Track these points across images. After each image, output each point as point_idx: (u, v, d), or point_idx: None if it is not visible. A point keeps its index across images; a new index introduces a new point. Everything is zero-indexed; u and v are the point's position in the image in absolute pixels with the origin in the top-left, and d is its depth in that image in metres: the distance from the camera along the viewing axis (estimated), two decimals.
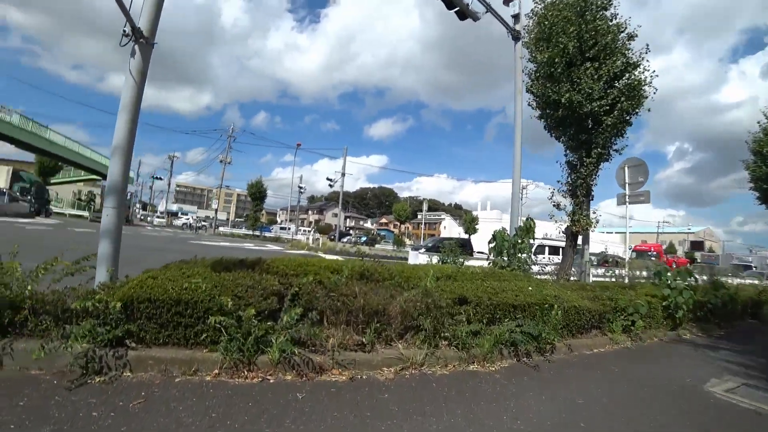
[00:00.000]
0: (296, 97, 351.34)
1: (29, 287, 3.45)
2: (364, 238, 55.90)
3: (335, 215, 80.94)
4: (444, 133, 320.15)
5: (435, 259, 10.77)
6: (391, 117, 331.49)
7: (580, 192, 9.95)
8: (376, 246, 45.33)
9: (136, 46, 4.14)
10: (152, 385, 3.00)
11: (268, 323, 3.36)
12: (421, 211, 60.41)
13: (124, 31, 4.04)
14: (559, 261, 12.01)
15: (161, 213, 59.03)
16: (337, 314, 3.82)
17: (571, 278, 10.25)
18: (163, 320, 3.29)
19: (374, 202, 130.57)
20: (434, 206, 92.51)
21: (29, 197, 31.23)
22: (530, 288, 5.73)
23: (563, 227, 10.51)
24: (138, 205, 59.89)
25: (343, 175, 36.56)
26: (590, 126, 9.53)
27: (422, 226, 65.91)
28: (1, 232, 13.90)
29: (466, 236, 48.42)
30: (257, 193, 44.81)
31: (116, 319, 3.22)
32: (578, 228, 10.01)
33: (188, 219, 54.19)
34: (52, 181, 43.70)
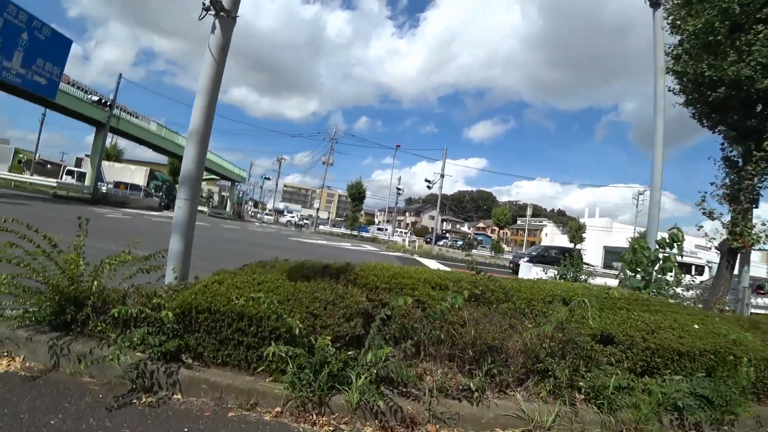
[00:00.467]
0: (397, 101, 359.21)
1: (95, 282, 3.11)
2: (460, 242, 54.12)
3: (432, 218, 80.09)
4: (547, 134, 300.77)
5: (542, 272, 9.27)
6: (491, 118, 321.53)
7: (744, 197, 7.73)
8: (473, 251, 43.47)
9: (217, 20, 3.69)
10: (201, 417, 2.38)
11: (349, 353, 2.55)
12: (522, 216, 56.54)
13: (204, 3, 3.59)
14: (691, 282, 9.56)
15: (269, 210, 63.92)
16: (437, 345, 2.89)
17: (725, 308, 8.02)
18: (222, 336, 2.67)
19: (471, 206, 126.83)
20: (535, 212, 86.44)
21: (160, 193, 35.90)
22: (696, 326, 4.17)
23: (716, 241, 8.37)
24: (250, 203, 65.64)
25: (443, 176, 35.41)
26: (761, 109, 7.34)
27: (524, 232, 61.68)
28: (135, 222, 15.71)
29: (571, 245, 43.96)
30: (357, 193, 46.27)
31: (172, 330, 2.70)
32: (740, 243, 7.80)
33: (293, 217, 57.77)
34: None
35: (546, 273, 8.59)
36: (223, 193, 58.10)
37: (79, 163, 47.86)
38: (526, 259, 20.23)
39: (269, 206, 68.99)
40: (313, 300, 2.80)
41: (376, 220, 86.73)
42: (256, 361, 2.63)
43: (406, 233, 46.31)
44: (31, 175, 35.99)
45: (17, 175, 32.61)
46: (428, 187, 37.01)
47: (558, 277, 7.16)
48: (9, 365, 2.76)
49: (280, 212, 69.34)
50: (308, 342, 2.48)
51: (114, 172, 46.33)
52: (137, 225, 15.08)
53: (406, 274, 3.44)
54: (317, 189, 64.92)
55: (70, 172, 39.42)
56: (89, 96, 26.01)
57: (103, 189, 30.87)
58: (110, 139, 46.23)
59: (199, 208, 43.99)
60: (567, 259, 12.03)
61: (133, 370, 2.61)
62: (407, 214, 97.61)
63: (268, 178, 61.20)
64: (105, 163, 43.41)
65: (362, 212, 56.05)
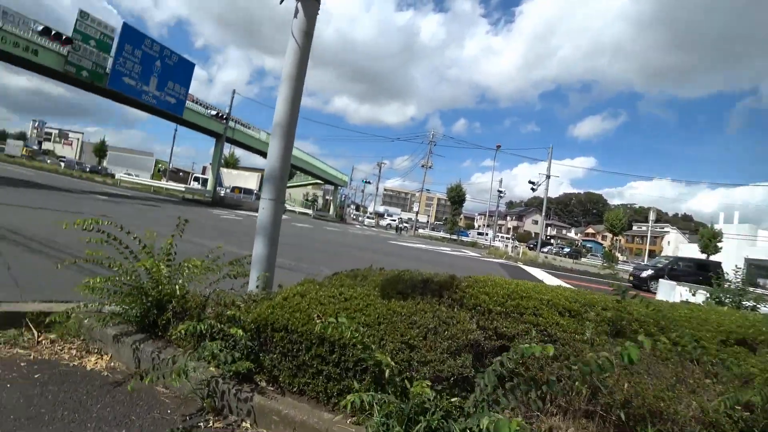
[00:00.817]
0: (494, 101, 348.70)
1: (177, 285, 2.92)
2: (566, 249, 49.78)
3: (535, 222, 75.32)
4: (665, 127, 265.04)
5: (687, 292, 7.50)
6: (599, 113, 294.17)
7: None
8: (582, 260, 39.50)
9: (299, 4, 3.35)
10: None
11: (453, 399, 1.92)
12: (638, 221, 49.58)
13: None
14: None
15: (370, 214, 65.95)
16: (568, 396, 2.11)
17: None
18: (300, 361, 2.23)
19: (579, 210, 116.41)
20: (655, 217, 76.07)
21: None
22: None
23: None
24: (351, 206, 68.41)
25: (548, 177, 32.48)
26: None
27: (641, 240, 54.33)
28: (245, 223, 16.93)
29: (703, 256, 37.28)
30: (456, 197, 45.51)
31: (245, 347, 2.34)
32: None
33: (393, 220, 58.76)
34: (288, 185, 53.92)
35: (694, 294, 6.86)
36: (326, 197, 61.32)
37: (204, 170, 54.50)
38: (650, 271, 17.39)
39: (370, 209, 71.17)
40: (409, 326, 2.21)
41: (476, 224, 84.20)
42: (336, 395, 2.13)
43: (508, 238, 43.89)
44: (167, 181, 41.81)
45: (156, 181, 38.20)
46: (532, 189, 34.31)
47: (715, 301, 5.58)
48: (96, 363, 2.71)
49: (381, 215, 71.01)
50: (401, 382, 1.90)
51: (231, 177, 51.87)
52: (246, 225, 16.17)
53: (524, 293, 2.67)
54: (416, 192, 65.17)
55: (196, 179, 45.13)
56: (209, 111, 29.19)
57: (222, 193, 34.66)
58: (228, 149, 51.81)
59: (304, 210, 47.25)
60: (713, 275, 9.78)
61: (204, 387, 2.31)
62: (508, 218, 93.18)
63: (369, 182, 63.20)
64: (223, 170, 48.82)
65: (461, 216, 54.69)
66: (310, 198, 60.36)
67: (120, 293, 2.89)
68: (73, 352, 2.80)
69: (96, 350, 2.85)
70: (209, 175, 36.32)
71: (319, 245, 13.89)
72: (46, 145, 70.12)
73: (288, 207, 46.19)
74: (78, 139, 77.79)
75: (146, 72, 22.61)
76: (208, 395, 2.29)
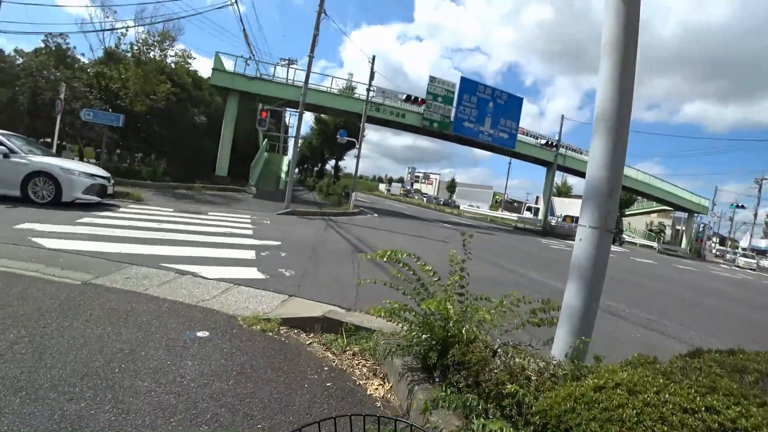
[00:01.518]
0: None
1: (465, 328, 2.44)
2: None
3: None
4: None
5: None
6: None
7: None
8: None
9: None
10: None
11: None
12: None
13: None
14: None
15: (743, 250, 48.02)
16: None
17: None
18: None
19: None
20: None
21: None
22: None
23: None
24: (714, 239, 52.12)
25: None
26: None
27: None
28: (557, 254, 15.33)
29: None
30: None
31: None
32: None
33: None
34: (626, 213, 46.78)
35: None
36: (677, 227, 49.40)
37: (537, 200, 55.44)
38: None
39: (742, 243, 51.84)
40: None
41: None
42: None
43: None
44: (502, 211, 45.01)
45: (493, 211, 41.85)
46: None
47: None
48: (377, 389, 2.62)
49: (762, 253, 50.24)
50: None
51: (563, 206, 50.25)
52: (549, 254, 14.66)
53: None
54: None
55: (528, 208, 46.47)
56: (538, 141, 29.32)
57: (552, 222, 33.82)
58: (560, 177, 50.61)
59: (647, 242, 39.51)
60: None
61: None
62: None
63: (742, 206, 45.88)
64: (555, 199, 47.89)
65: None
66: (654, 228, 50.20)
67: (409, 322, 2.71)
68: (365, 370, 2.83)
69: (381, 375, 2.79)
70: (541, 205, 36.33)
71: (666, 286, 10.71)
72: (416, 186, 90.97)
73: (627, 237, 39.76)
74: (437, 179, 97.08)
75: (481, 114, 25.38)
76: None
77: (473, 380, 1.99)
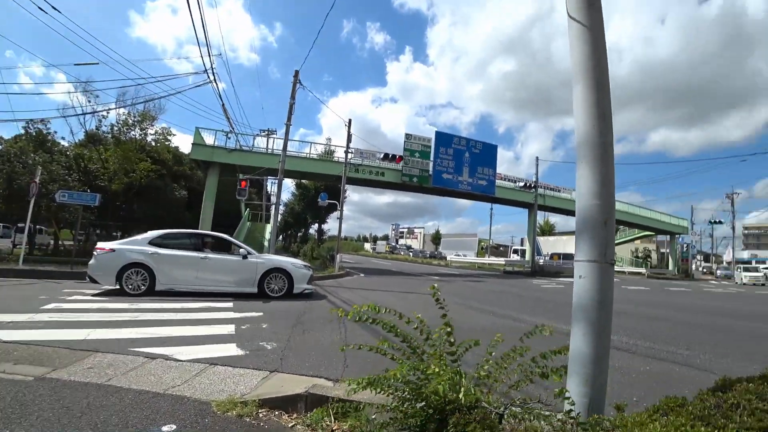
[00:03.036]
0: None
1: (462, 392, 2.15)
2: None
3: None
4: None
5: None
6: None
7: None
8: None
9: None
10: None
11: None
12: None
13: None
14: None
15: (728, 264, 48.70)
16: None
17: None
18: None
19: None
20: None
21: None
22: None
23: None
24: (699, 257, 52.81)
25: None
26: None
27: None
28: (567, 292, 15.05)
29: None
30: None
31: None
32: None
33: (767, 269, 39.95)
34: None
35: None
36: (661, 250, 50.08)
37: (522, 242, 55.74)
38: None
39: (725, 257, 53.13)
40: None
41: None
42: None
43: None
44: (488, 257, 44.94)
45: (480, 258, 41.73)
46: None
47: None
48: None
49: (746, 263, 50.96)
50: None
51: (548, 245, 50.60)
52: (568, 294, 14.36)
53: None
54: None
55: (515, 251, 46.65)
56: (517, 184, 30.04)
57: (540, 261, 33.80)
58: (542, 216, 51.41)
59: (635, 269, 39.47)
60: None
61: None
62: None
63: (720, 222, 47.27)
64: (540, 238, 48.17)
65: None
66: (640, 254, 50.70)
67: (400, 390, 2.40)
68: None
69: None
70: (527, 246, 36.40)
71: (666, 313, 10.40)
72: (401, 241, 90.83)
73: (616, 267, 39.81)
74: (421, 233, 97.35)
75: (458, 164, 26.07)
76: None
77: None
